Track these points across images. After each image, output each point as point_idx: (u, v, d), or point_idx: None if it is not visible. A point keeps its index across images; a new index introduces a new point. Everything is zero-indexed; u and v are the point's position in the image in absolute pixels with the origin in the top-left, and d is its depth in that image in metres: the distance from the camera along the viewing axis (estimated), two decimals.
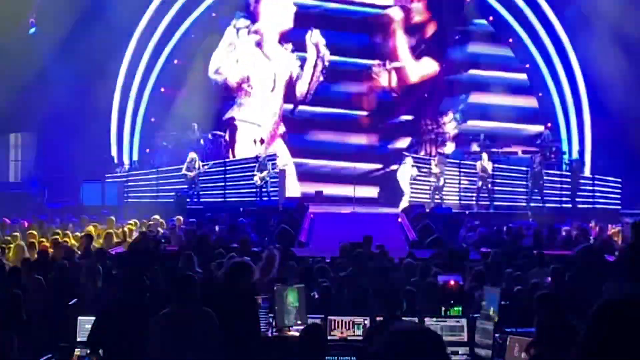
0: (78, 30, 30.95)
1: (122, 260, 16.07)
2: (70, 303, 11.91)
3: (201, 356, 8.19)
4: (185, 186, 30.35)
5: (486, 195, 30.33)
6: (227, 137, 33.40)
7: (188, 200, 29.74)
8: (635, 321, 2.90)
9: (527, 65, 35.44)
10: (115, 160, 34.59)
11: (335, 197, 33.93)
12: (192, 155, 30.56)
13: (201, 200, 30.52)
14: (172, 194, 30.45)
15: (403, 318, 9.34)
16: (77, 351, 10.24)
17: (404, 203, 31.44)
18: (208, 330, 8.27)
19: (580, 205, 30.83)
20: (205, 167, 30.98)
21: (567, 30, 34.23)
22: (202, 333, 8.25)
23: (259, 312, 9.91)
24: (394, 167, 34.72)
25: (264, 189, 30.47)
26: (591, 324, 2.97)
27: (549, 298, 9.06)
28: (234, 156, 33.10)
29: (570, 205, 30.75)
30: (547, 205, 30.21)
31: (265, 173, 30.25)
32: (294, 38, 35.75)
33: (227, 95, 35.72)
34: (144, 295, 9.17)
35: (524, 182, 30.87)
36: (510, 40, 35.54)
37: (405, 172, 32.77)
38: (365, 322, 10.39)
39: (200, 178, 30.74)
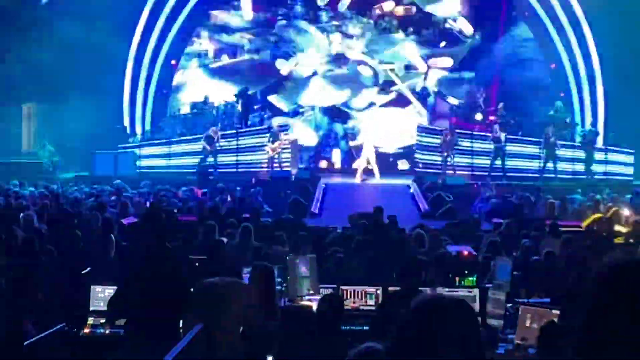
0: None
1: (134, 231, 16.13)
2: (83, 272, 11.97)
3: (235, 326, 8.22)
4: (202, 157, 30.35)
5: (499, 165, 30.27)
6: (239, 107, 33.35)
7: (211, 170, 29.75)
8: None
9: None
10: (128, 130, 34.63)
11: (347, 169, 33.94)
12: (214, 129, 30.70)
13: (214, 171, 30.49)
14: (184, 163, 30.62)
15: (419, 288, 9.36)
16: (90, 320, 10.28)
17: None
18: (242, 302, 8.30)
19: (594, 177, 30.77)
20: (220, 143, 31.00)
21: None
22: (236, 304, 8.27)
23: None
24: None
25: (275, 160, 30.45)
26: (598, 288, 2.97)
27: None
28: (246, 126, 33.07)
29: (584, 176, 30.67)
30: (559, 176, 30.15)
31: (277, 144, 30.23)
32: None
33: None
34: (166, 265, 9.17)
35: (538, 153, 30.75)
36: (526, 14, 35.36)
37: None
38: (378, 292, 10.41)
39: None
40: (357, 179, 30.27)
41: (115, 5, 31.19)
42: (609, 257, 3.04)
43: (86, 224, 15.82)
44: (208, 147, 30.25)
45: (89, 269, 12.01)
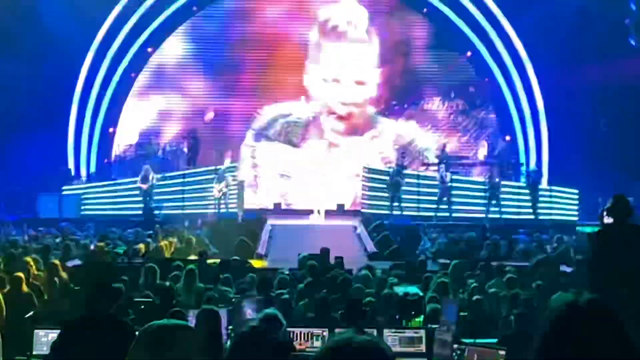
0: (34, 37, 30.79)
1: (79, 274, 15.95)
2: (27, 316, 11.81)
3: None
4: (144, 198, 30.08)
5: (445, 205, 30.43)
6: (186, 149, 33.24)
7: (156, 212, 29.47)
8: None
9: (487, 79, 35.60)
10: (73, 172, 34.34)
11: (294, 209, 33.91)
12: (146, 167, 30.40)
13: (159, 212, 30.26)
14: (130, 206, 30.37)
15: (365, 329, 9.31)
16: None
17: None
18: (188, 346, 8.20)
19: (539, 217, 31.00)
20: (156, 178, 30.64)
21: (524, 41, 34.50)
22: (181, 347, 8.17)
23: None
24: None
25: (222, 201, 30.33)
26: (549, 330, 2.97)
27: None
28: (194, 167, 32.97)
29: (531, 217, 30.86)
30: (504, 216, 30.33)
31: (223, 184, 30.13)
32: None
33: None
34: (110, 308, 9.05)
35: (482, 193, 30.94)
36: (469, 54, 35.70)
37: None
38: (324, 333, 10.34)
39: (158, 190, 30.51)
40: (304, 221, 30.28)
41: (60, 44, 30.93)
42: (557, 299, 3.06)
43: (30, 267, 15.61)
44: (143, 186, 29.86)
45: (32, 312, 11.86)
